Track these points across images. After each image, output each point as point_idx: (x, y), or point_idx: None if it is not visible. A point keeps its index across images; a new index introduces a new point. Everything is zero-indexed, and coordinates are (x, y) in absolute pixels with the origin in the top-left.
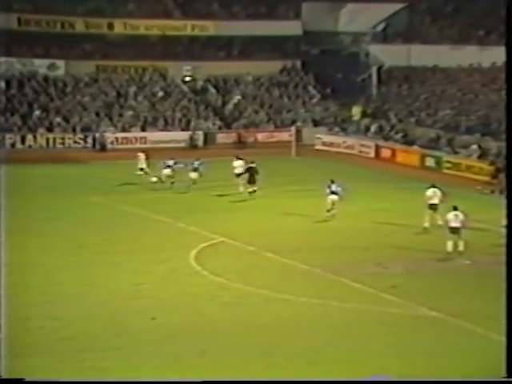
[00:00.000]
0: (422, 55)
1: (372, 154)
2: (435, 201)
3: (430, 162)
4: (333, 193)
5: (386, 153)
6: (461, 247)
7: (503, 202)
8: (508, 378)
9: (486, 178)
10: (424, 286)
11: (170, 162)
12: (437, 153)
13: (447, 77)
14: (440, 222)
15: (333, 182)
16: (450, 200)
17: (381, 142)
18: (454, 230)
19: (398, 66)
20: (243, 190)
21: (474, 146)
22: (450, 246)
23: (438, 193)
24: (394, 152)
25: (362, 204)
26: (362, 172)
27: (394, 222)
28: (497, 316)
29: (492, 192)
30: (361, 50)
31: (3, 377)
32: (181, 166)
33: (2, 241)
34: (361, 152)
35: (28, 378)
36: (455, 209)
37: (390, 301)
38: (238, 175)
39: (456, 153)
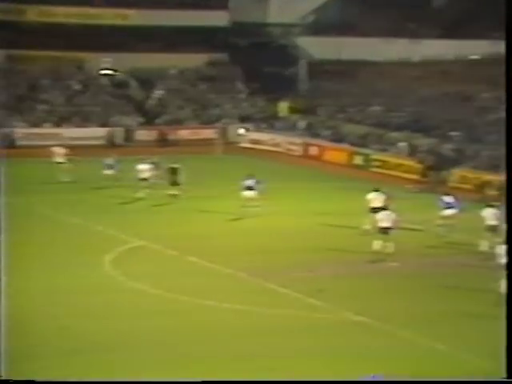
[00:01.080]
0: (352, 48)
1: (300, 152)
2: (377, 204)
3: (358, 159)
4: (249, 188)
5: (313, 150)
6: (389, 249)
7: (434, 201)
8: (508, 378)
9: (416, 177)
10: (351, 289)
11: (111, 161)
12: (365, 150)
13: (378, 71)
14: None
15: (250, 177)
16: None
17: (309, 140)
18: (384, 230)
19: (328, 60)
20: (144, 196)
21: (403, 143)
22: (377, 245)
23: (381, 196)
24: (322, 150)
25: (289, 204)
26: (289, 171)
27: (323, 222)
28: (424, 319)
29: (422, 191)
30: (290, 42)
31: None
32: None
33: None
34: (288, 150)
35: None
36: (385, 208)
37: (317, 306)
38: (144, 180)
39: (385, 150)
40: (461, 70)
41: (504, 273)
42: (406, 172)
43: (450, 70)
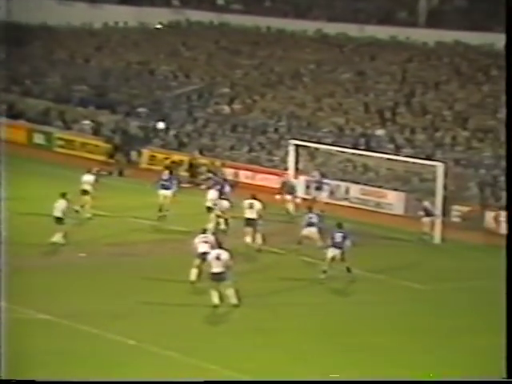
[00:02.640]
0: (25, 10)
1: None
2: (86, 187)
3: (39, 138)
4: None
5: None
6: (58, 238)
7: (124, 185)
8: (508, 378)
9: (103, 158)
10: (31, 285)
11: None
12: (47, 128)
13: (55, 37)
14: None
15: None
16: (63, 184)
17: None
18: (58, 220)
19: None
20: None
21: (87, 121)
22: (57, 237)
23: (91, 178)
24: None
25: None
26: None
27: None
28: (115, 313)
29: (110, 174)
30: None
31: None
32: None
33: None
34: None
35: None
36: (64, 195)
37: None
38: None
39: (70, 128)
40: (143, 40)
41: (197, 261)
42: (92, 152)
43: (132, 39)
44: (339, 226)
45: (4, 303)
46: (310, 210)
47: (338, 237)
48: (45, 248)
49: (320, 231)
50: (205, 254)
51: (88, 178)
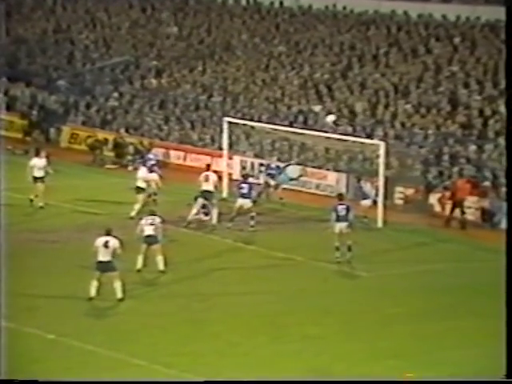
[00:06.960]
0: None
1: None
2: (39, 173)
3: None
4: None
5: None
6: None
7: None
8: (508, 378)
9: (19, 135)
10: None
11: None
12: None
13: None
14: None
15: None
16: None
17: None
18: None
19: None
20: None
21: None
22: None
23: (43, 161)
24: None
25: None
26: None
27: None
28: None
29: (26, 152)
30: None
31: None
32: None
33: None
34: None
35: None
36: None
37: None
38: None
39: None
40: (60, 5)
41: (143, 246)
42: (5, 129)
43: (48, 5)
44: (340, 197)
45: None
46: (244, 179)
47: (341, 210)
48: None
49: (254, 203)
50: (150, 237)
51: (38, 162)
